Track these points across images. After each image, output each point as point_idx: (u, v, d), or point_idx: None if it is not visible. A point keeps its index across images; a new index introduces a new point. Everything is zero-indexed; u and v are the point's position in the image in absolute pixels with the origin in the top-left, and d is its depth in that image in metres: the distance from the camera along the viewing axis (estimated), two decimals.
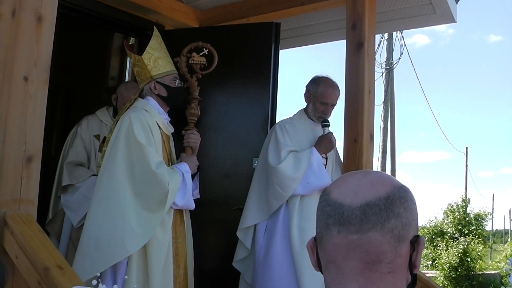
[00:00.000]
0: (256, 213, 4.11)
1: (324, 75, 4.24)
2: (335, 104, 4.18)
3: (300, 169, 3.96)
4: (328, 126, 4.13)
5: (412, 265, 1.13)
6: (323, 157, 4.08)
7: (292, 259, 3.87)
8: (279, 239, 3.97)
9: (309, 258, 1.25)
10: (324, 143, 4.08)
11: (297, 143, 4.11)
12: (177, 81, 3.65)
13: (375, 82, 4.75)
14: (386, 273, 1.10)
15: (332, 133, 4.13)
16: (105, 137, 4.25)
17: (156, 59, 3.59)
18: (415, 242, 1.14)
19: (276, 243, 3.97)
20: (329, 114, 4.15)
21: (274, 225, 4.01)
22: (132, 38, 6.24)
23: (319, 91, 4.12)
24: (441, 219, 19.39)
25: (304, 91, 4.26)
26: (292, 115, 4.29)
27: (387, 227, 1.10)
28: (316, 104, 4.14)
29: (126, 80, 6.46)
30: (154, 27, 3.81)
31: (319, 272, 1.18)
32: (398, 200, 1.13)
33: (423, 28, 5.60)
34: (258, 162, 4.28)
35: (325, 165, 4.09)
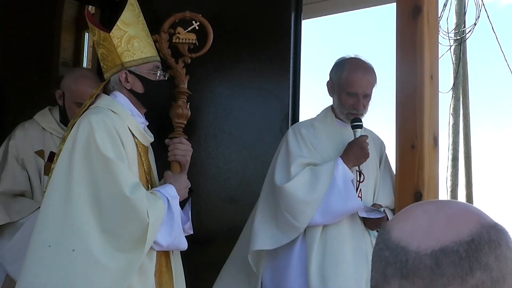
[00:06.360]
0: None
1: (351, 56, 4.28)
2: (370, 94, 4.21)
3: (317, 189, 3.98)
4: (361, 127, 4.15)
5: None
6: (356, 170, 4.10)
7: None
8: (293, 286, 4.00)
9: None
10: (354, 151, 4.08)
11: (320, 153, 4.16)
12: (159, 72, 3.64)
13: (440, 59, 4.72)
14: None
15: (366, 136, 4.14)
16: (52, 153, 4.20)
17: (131, 39, 3.57)
18: None
19: None
20: (361, 108, 4.17)
21: (286, 264, 4.05)
22: (91, 6, 6.24)
23: (343, 77, 4.15)
24: None
25: (327, 81, 4.29)
26: (315, 115, 4.33)
27: (470, 283, 1.10)
28: (342, 95, 4.17)
29: (84, 66, 6.47)
30: None
31: None
32: (487, 244, 1.12)
33: None
34: (266, 178, 4.30)
35: (359, 182, 4.11)
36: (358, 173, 4.13)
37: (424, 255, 1.11)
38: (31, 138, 4.50)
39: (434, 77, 4.38)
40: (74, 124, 3.48)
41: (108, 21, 3.58)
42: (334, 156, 4.11)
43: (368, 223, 4.11)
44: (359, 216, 4.08)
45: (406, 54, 4.35)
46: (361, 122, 4.15)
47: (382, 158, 4.45)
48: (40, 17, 6.76)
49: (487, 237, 1.12)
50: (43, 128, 4.55)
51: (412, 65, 4.31)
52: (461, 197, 17.96)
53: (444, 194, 17.05)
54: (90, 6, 6.26)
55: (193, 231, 3.80)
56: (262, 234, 4.09)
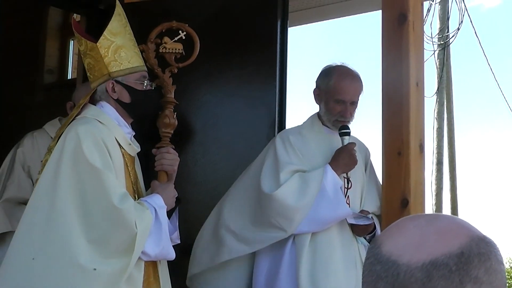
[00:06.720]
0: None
1: (338, 63, 4.30)
2: (356, 102, 4.23)
3: (307, 195, 3.98)
4: (349, 134, 4.17)
5: None
6: (343, 177, 4.12)
7: None
8: None
9: None
10: (343, 158, 4.10)
11: (308, 160, 4.16)
12: (146, 81, 3.63)
13: (424, 64, 4.71)
14: None
15: (354, 144, 4.16)
16: None
17: (118, 49, 3.56)
18: None
19: None
20: (348, 116, 4.19)
21: (276, 269, 4.07)
22: (76, 15, 6.22)
23: (331, 85, 4.17)
24: None
25: (314, 88, 4.31)
26: (301, 123, 4.35)
27: None
28: (330, 103, 4.18)
29: (69, 74, 6.43)
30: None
31: None
32: (477, 257, 1.13)
33: None
34: (243, 182, 4.32)
35: (347, 189, 4.13)
36: (346, 180, 4.13)
37: (415, 269, 1.11)
38: (39, 147, 4.55)
39: (419, 84, 4.37)
40: (60, 135, 3.46)
41: (95, 29, 3.53)
42: (322, 163, 4.12)
43: (356, 230, 4.12)
44: (347, 223, 4.09)
45: (391, 61, 4.34)
46: (349, 129, 4.17)
47: (367, 165, 4.47)
48: (25, 25, 6.72)
49: (477, 250, 1.13)
50: (51, 138, 4.48)
51: (398, 73, 4.31)
52: (446, 200, 18.03)
53: (429, 198, 17.07)
54: (75, 15, 6.21)
55: (181, 240, 3.79)
56: (250, 240, 4.11)
